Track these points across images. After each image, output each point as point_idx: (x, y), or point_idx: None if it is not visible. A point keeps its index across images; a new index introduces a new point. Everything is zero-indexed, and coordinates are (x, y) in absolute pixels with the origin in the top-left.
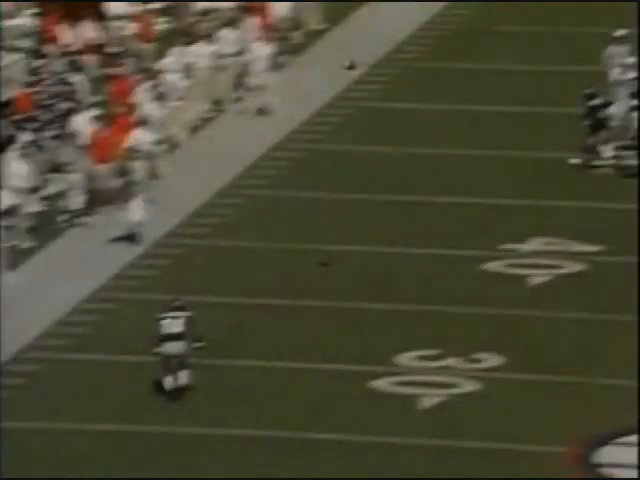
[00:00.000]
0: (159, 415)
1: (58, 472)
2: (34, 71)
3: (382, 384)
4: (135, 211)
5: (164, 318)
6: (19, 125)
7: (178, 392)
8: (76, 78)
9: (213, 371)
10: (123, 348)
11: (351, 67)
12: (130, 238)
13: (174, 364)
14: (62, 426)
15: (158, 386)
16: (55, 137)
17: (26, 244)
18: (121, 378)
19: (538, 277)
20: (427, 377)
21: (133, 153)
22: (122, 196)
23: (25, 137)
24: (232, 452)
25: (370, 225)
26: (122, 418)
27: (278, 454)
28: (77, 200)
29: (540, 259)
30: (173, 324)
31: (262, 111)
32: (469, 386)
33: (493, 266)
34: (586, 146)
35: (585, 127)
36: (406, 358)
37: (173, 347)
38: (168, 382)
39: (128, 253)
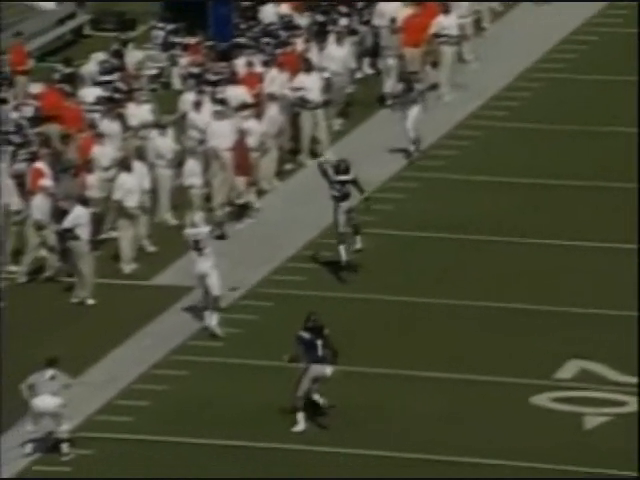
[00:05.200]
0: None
1: None
2: None
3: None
4: (411, 120)
5: (335, 182)
6: (335, 11)
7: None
8: None
9: (493, 249)
10: (424, 226)
11: None
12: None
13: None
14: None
15: None
16: (367, 22)
17: (337, 126)
18: (425, 255)
19: None
20: None
21: (439, 38)
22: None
23: (341, 22)
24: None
25: None
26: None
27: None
28: (389, 83)
29: None
30: (341, 189)
31: None
32: None
33: None
34: None
35: None
36: None
37: (345, 206)
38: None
39: (431, 135)
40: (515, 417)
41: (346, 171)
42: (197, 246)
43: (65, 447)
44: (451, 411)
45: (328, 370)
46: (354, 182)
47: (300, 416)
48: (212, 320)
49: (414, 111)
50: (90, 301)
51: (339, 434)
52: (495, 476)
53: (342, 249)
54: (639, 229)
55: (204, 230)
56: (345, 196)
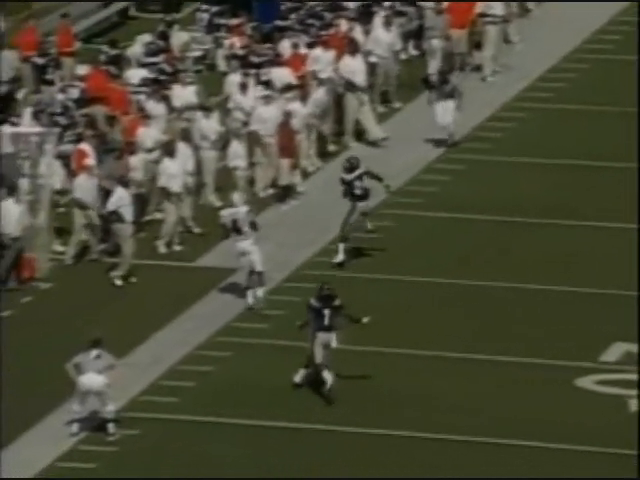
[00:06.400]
0: None
1: None
2: None
3: None
4: (445, 114)
5: (353, 180)
6: None
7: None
8: None
9: (538, 230)
10: (469, 208)
11: None
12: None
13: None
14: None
15: None
16: (412, 3)
17: (395, 104)
18: (470, 236)
19: None
20: None
21: (485, 17)
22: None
23: (386, 3)
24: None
25: None
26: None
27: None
28: (433, 65)
29: None
30: (362, 185)
31: None
32: None
33: None
34: None
35: None
36: None
37: (363, 206)
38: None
39: (475, 117)
40: (560, 399)
41: (358, 167)
42: (235, 225)
43: (111, 427)
44: (497, 393)
45: (332, 339)
46: (368, 173)
47: (326, 373)
48: (258, 293)
49: (449, 105)
50: (118, 282)
51: (380, 416)
52: (539, 458)
53: (342, 248)
54: None
55: (242, 210)
56: (365, 194)
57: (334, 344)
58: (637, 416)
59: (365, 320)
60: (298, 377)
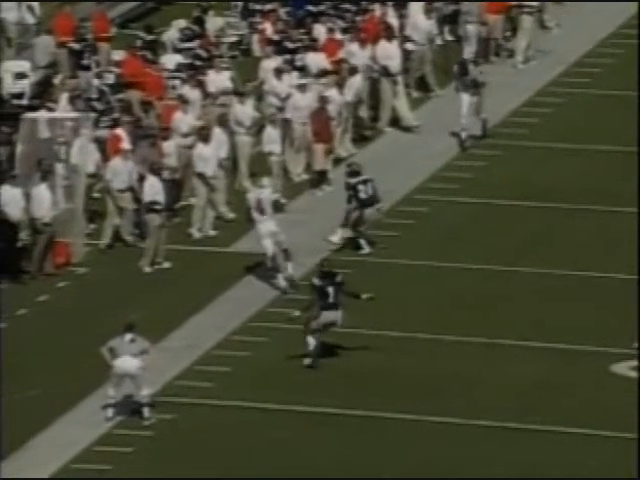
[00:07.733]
0: None
1: None
2: None
3: None
4: (463, 104)
5: (357, 184)
6: None
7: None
8: None
9: (574, 216)
10: (504, 194)
11: None
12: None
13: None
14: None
15: None
16: None
17: (437, 90)
18: (505, 223)
19: None
20: None
21: (520, 8)
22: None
23: None
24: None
25: None
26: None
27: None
28: (468, 50)
29: None
30: (366, 189)
31: None
32: None
33: None
34: None
35: None
36: None
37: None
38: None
39: (511, 102)
40: (595, 385)
41: (360, 171)
42: (260, 205)
43: (146, 411)
44: (531, 379)
45: (339, 317)
46: (372, 183)
47: (310, 339)
48: (289, 270)
49: (467, 97)
50: (147, 269)
51: (425, 403)
52: (574, 444)
53: (363, 242)
54: None
55: (267, 191)
56: (370, 200)
57: (340, 322)
58: None
59: (365, 297)
60: (308, 360)
